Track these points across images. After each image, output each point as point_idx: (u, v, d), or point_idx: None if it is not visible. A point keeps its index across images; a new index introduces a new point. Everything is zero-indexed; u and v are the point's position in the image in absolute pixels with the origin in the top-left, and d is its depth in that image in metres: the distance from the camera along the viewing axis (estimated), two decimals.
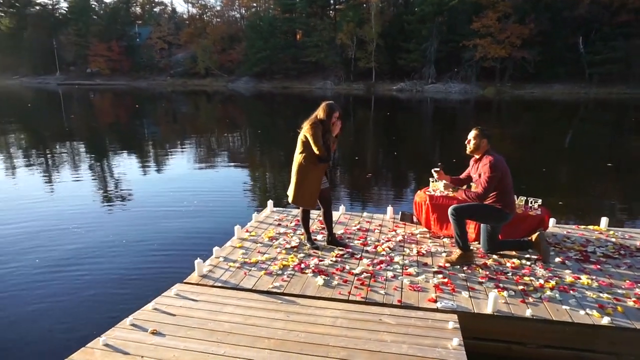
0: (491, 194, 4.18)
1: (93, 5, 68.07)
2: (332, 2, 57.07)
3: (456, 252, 4.28)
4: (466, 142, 4.29)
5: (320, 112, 4.31)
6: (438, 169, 4.57)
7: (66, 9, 68.75)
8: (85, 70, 63.25)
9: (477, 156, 4.30)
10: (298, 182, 4.37)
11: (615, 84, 39.56)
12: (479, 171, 4.23)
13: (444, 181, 4.53)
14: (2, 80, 62.12)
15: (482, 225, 4.43)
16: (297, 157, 4.35)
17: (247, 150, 14.48)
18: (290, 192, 4.45)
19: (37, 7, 70.07)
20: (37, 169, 10.41)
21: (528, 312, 3.31)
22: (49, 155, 12.39)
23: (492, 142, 4.33)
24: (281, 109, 30.13)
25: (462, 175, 4.56)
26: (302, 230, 4.85)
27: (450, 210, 4.27)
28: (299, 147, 4.34)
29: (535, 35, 41.48)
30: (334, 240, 4.64)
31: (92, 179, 9.51)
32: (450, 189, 4.47)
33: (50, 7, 70.30)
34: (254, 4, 62.01)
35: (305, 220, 4.62)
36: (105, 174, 10.18)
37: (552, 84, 41.58)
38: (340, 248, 4.54)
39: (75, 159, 12.02)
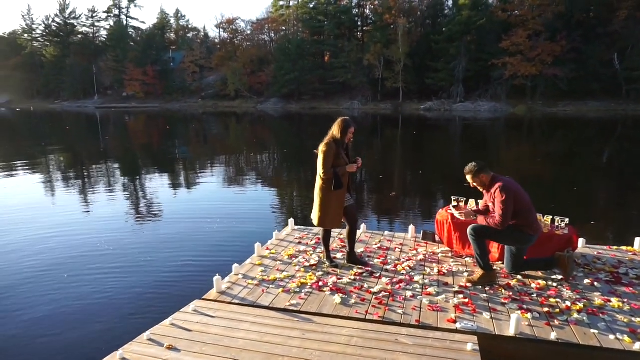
0: (519, 220, 4.04)
1: (130, 32, 71.47)
2: (359, 23, 57.92)
3: (478, 272, 4.17)
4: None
5: (335, 129, 4.32)
6: (456, 204, 4.48)
7: (105, 37, 72.42)
8: (122, 94, 65.98)
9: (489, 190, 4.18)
10: (321, 205, 4.35)
11: None
12: (492, 199, 4.11)
13: (462, 212, 4.39)
14: (46, 104, 65.48)
15: (506, 245, 4.31)
16: (318, 179, 4.35)
17: (274, 169, 14.65)
18: (315, 215, 4.43)
19: (80, 36, 74.08)
20: (72, 187, 10.84)
21: (553, 336, 3.18)
22: (84, 174, 12.89)
23: (496, 168, 4.22)
24: (309, 129, 30.43)
25: (481, 207, 4.43)
26: (322, 249, 4.84)
27: (469, 230, 4.18)
28: (320, 170, 4.31)
29: (567, 52, 40.69)
30: (353, 259, 4.60)
31: (123, 197, 9.81)
32: (472, 217, 4.33)
33: (91, 35, 74.28)
34: (283, 28, 63.50)
35: (327, 238, 4.61)
36: (135, 192, 10.49)
37: (587, 101, 40.46)
38: (360, 267, 4.50)
39: (108, 177, 12.45)
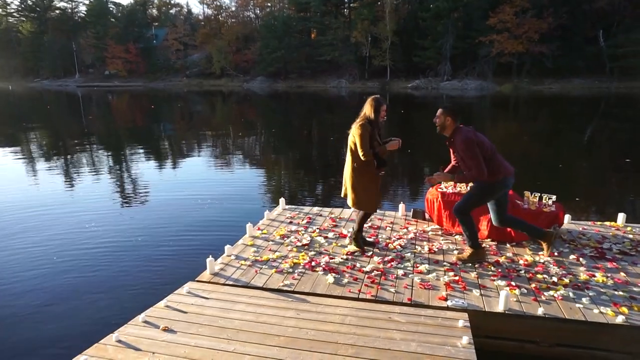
0: (489, 167, 3.95)
1: (111, 8, 69.27)
2: (346, 0, 56.93)
3: (467, 250, 4.25)
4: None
5: (367, 109, 4.16)
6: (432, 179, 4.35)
7: (85, 13, 70.13)
8: (104, 72, 64.41)
9: (448, 136, 4.11)
10: (354, 187, 4.23)
11: (637, 77, 38.57)
12: (457, 152, 4.05)
13: (439, 174, 4.23)
14: (24, 83, 63.68)
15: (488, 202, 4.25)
16: (349, 161, 4.23)
17: (261, 149, 14.56)
18: (349, 196, 4.31)
19: (57, 11, 71.66)
20: (55, 169, 10.65)
21: (540, 311, 3.27)
22: (67, 155, 12.66)
23: (463, 120, 4.13)
24: (296, 108, 30.20)
25: (449, 168, 4.35)
26: (313, 228, 4.87)
27: (453, 210, 4.22)
28: (349, 150, 4.23)
29: (554, 30, 40.71)
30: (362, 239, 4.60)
31: (109, 178, 9.69)
32: (449, 179, 4.20)
33: (69, 10, 71.86)
34: (269, 4, 62.26)
35: (364, 220, 4.45)
36: (121, 173, 10.36)
37: (572, 79, 40.76)
38: (353, 248, 4.53)
39: (92, 158, 12.25)
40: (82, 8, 72.25)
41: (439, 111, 4.08)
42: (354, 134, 4.14)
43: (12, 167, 10.96)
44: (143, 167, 10.89)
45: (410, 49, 47.40)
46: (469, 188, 4.63)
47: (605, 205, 7.48)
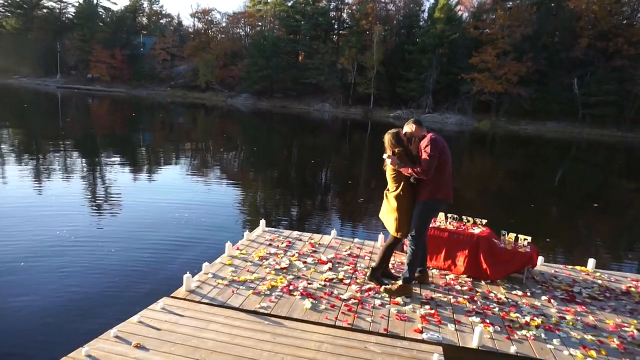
0: (431, 180, 4.04)
1: (100, 12, 68.67)
2: (336, 27, 58.07)
3: (397, 283, 4.25)
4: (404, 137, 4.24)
5: (389, 146, 4.24)
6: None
7: (73, 14, 69.25)
8: (86, 75, 63.37)
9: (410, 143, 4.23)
10: (401, 216, 4.20)
11: (607, 125, 40.39)
12: (420, 152, 4.13)
13: (390, 156, 4.22)
14: (2, 78, 62.03)
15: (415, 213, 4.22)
16: (394, 193, 4.23)
17: (242, 167, 14.51)
18: (393, 227, 4.27)
19: (45, 10, 70.57)
20: (25, 173, 10.34)
21: (512, 349, 3.33)
22: (39, 159, 12.32)
23: (457, 179, 4.33)
24: (279, 127, 30.32)
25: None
26: (293, 252, 4.86)
27: (408, 241, 4.24)
28: (391, 182, 4.26)
29: (532, 73, 42.45)
30: (389, 272, 4.60)
31: (83, 186, 9.47)
32: (397, 164, 4.18)
33: (57, 10, 70.84)
34: (259, 23, 62.83)
35: (393, 251, 4.48)
36: (97, 181, 10.14)
37: (546, 122, 42.30)
38: (331, 275, 4.53)
39: (66, 164, 11.95)
40: (71, 9, 71.23)
41: (409, 125, 4.27)
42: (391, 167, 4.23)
43: None
44: (120, 176, 10.68)
45: (394, 79, 48.48)
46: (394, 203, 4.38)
47: (574, 248, 7.71)
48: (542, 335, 3.58)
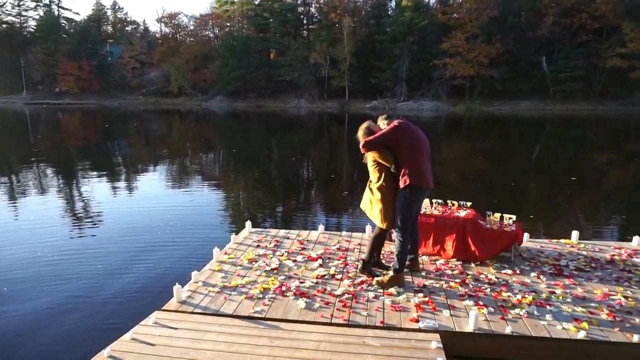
0: (404, 168, 4.07)
1: (63, 24, 66.98)
2: (305, 22, 57.92)
3: (388, 274, 4.26)
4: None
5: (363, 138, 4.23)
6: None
7: (34, 28, 67.32)
8: (54, 90, 61.83)
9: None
10: (385, 207, 4.17)
11: (577, 100, 41.37)
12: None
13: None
14: None
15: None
16: (376, 184, 4.21)
17: (222, 169, 14.37)
18: (378, 218, 4.24)
19: (4, 26, 68.33)
20: (1, 192, 10.03)
21: (508, 329, 3.37)
22: (12, 178, 11.97)
23: (437, 165, 4.37)
24: (255, 127, 30.12)
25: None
26: (282, 252, 4.82)
27: (394, 230, 4.24)
28: (373, 173, 4.26)
29: (502, 55, 43.13)
30: (380, 262, 4.59)
31: (61, 202, 9.23)
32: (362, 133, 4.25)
33: (17, 25, 68.69)
34: (228, 24, 62.26)
35: (382, 242, 4.48)
36: (75, 196, 9.90)
37: (519, 101, 43.08)
38: (322, 271, 4.51)
39: (41, 181, 11.64)
40: (32, 23, 69.25)
41: (382, 118, 4.36)
42: (373, 156, 4.22)
43: None
44: (98, 190, 10.44)
45: (367, 70, 48.65)
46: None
47: (557, 222, 7.87)
48: (535, 312, 3.63)
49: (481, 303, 3.80)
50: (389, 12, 53.75)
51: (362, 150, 4.21)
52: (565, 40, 42.72)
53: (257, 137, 24.08)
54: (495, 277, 4.35)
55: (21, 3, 67.84)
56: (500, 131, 26.75)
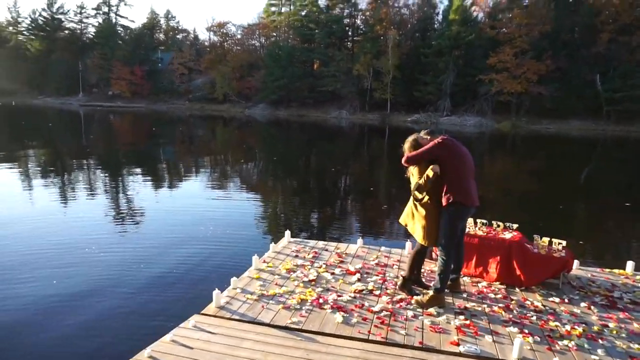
0: (447, 185, 3.94)
1: (119, 31, 70.54)
2: (350, 33, 58.24)
3: (428, 293, 4.12)
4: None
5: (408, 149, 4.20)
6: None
7: (93, 34, 71.29)
8: (107, 93, 64.99)
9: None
10: (429, 223, 4.08)
11: (633, 122, 39.24)
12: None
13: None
14: (28, 99, 64.10)
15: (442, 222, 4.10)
16: (421, 200, 4.11)
17: (263, 176, 14.56)
18: (420, 235, 4.13)
19: (66, 32, 72.78)
20: (53, 190, 10.57)
21: None
22: (66, 176, 12.61)
23: (479, 182, 4.21)
24: (297, 136, 30.44)
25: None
26: (320, 263, 4.81)
27: (438, 249, 4.15)
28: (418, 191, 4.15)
29: (552, 71, 41.64)
30: (420, 281, 4.48)
31: (109, 202, 9.62)
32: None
33: (78, 31, 73.03)
34: (274, 34, 63.52)
35: (422, 259, 4.38)
36: (122, 197, 10.30)
37: (569, 120, 41.38)
38: (360, 286, 4.45)
39: (92, 180, 12.20)
40: (91, 29, 73.43)
41: (425, 132, 4.29)
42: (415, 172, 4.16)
43: (9, 187, 10.83)
44: (143, 191, 10.83)
45: (411, 83, 48.20)
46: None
47: (609, 250, 7.45)
48: (585, 345, 3.43)
49: (526, 331, 3.63)
50: (435, 26, 53.20)
51: (404, 164, 4.16)
52: (623, 58, 40.75)
53: (298, 146, 24.32)
54: (542, 305, 4.14)
55: (83, 10, 72.17)
56: (548, 150, 25.76)
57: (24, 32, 74.42)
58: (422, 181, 3.98)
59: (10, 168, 13.23)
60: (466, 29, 45.65)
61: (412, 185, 4.23)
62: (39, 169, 13.64)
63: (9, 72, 67.96)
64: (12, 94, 65.58)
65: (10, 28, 74.65)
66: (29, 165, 14.08)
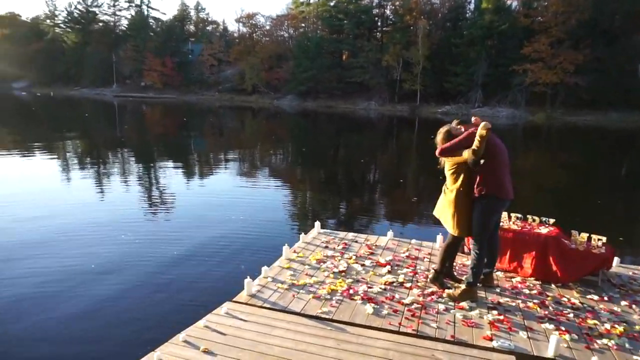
0: (480, 176, 3.86)
1: (151, 23, 71.80)
2: (379, 24, 57.48)
3: (460, 287, 4.07)
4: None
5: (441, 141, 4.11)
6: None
7: (126, 26, 72.86)
8: (140, 84, 66.41)
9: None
10: (460, 213, 4.00)
11: None
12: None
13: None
14: (65, 90, 66.24)
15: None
16: (452, 188, 4.03)
17: (292, 167, 14.62)
18: (451, 224, 4.07)
19: (100, 24, 74.66)
20: (90, 178, 10.91)
21: None
22: (101, 165, 13.00)
23: (513, 175, 4.08)
24: (325, 127, 30.39)
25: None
26: (350, 255, 4.81)
27: (472, 242, 4.07)
28: (450, 177, 4.07)
29: (590, 61, 39.99)
30: (452, 274, 4.43)
31: (142, 190, 9.86)
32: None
33: (112, 24, 74.76)
34: (302, 25, 63.30)
35: (454, 251, 4.31)
36: (154, 185, 10.53)
37: (608, 112, 39.74)
38: (391, 278, 4.42)
39: (126, 169, 12.54)
40: (124, 22, 74.99)
41: (454, 123, 4.25)
42: (456, 161, 4.03)
43: (49, 175, 11.24)
44: (175, 180, 11.06)
45: (441, 74, 47.24)
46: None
47: None
48: (626, 345, 3.31)
49: (563, 328, 3.53)
50: (467, 15, 51.85)
51: (438, 156, 4.08)
52: None
53: (326, 137, 24.28)
54: (580, 302, 4.02)
55: (116, 3, 73.77)
56: (585, 143, 24.86)
57: (61, 25, 76.68)
58: (476, 143, 3.76)
59: (50, 158, 13.74)
60: (499, 17, 44.29)
61: (447, 174, 4.13)
62: (77, 157, 14.12)
63: (47, 65, 70.41)
64: (50, 86, 67.98)
65: (48, 21, 77.04)
66: (69, 154, 14.58)
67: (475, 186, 3.92)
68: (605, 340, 3.37)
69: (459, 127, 4.16)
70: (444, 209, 4.15)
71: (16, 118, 28.44)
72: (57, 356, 3.58)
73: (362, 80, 50.80)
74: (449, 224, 4.10)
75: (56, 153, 14.53)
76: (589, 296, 4.16)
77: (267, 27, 68.10)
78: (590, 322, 3.66)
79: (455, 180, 4.03)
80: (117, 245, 6.05)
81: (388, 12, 57.14)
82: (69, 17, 74.79)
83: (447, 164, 4.11)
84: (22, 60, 71.26)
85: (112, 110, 39.31)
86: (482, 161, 3.83)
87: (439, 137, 4.14)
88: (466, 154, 3.86)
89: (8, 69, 70.13)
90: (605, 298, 4.13)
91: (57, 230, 6.58)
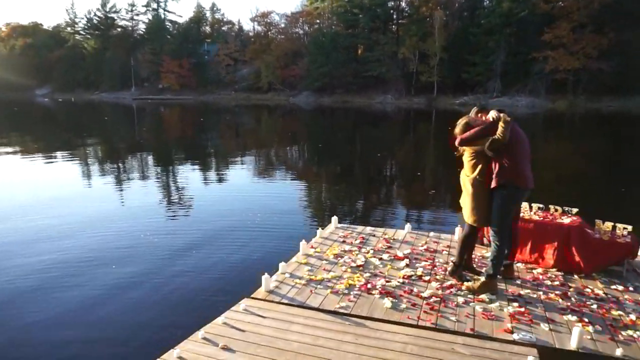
0: (500, 165, 3.82)
1: (168, 26, 72.74)
2: (395, 16, 56.97)
3: (479, 279, 4.01)
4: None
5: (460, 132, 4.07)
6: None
7: (144, 30, 73.99)
8: (158, 86, 67.40)
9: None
10: (476, 201, 3.98)
11: None
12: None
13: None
14: (86, 95, 67.77)
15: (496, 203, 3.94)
16: (470, 177, 4.01)
17: (308, 163, 14.64)
18: (467, 212, 4.06)
19: (119, 29, 76.00)
20: (110, 178, 11.11)
21: (619, 352, 3.03)
22: (121, 166, 13.25)
23: (534, 165, 4.02)
24: (341, 122, 30.31)
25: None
26: (367, 249, 4.79)
27: (492, 233, 4.00)
28: (469, 165, 4.03)
29: (614, 45, 38.82)
30: (471, 266, 4.39)
31: (161, 189, 10.03)
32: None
33: (130, 28, 76.01)
34: (317, 21, 63.20)
35: (472, 243, 4.30)
36: (172, 184, 10.69)
37: (633, 97, 38.54)
38: (409, 272, 4.39)
39: (145, 169, 12.78)
40: (142, 26, 76.19)
41: (473, 112, 4.25)
42: (473, 149, 4.00)
43: (70, 176, 11.50)
44: (192, 177, 11.22)
45: (459, 65, 46.58)
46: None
47: None
48: None
49: (586, 320, 3.46)
50: (485, 3, 50.91)
51: (457, 145, 4.03)
52: None
53: (342, 132, 24.22)
54: (604, 293, 3.93)
55: (133, 8, 74.94)
56: (609, 130, 24.17)
57: (81, 32, 78.30)
58: (500, 130, 3.71)
59: (71, 161, 14.08)
60: (518, 4, 43.40)
61: (465, 162, 4.09)
62: (96, 161, 14.42)
63: (68, 71, 72.07)
64: (71, 92, 69.58)
65: (69, 29, 78.77)
66: (88, 158, 14.92)
67: (494, 175, 3.87)
68: (630, 332, 3.28)
69: (478, 115, 4.12)
70: (464, 197, 4.13)
71: (39, 125, 29.21)
72: (78, 356, 3.67)
73: (378, 73, 50.52)
74: (466, 212, 4.08)
75: (78, 155, 14.87)
76: (613, 287, 4.06)
77: (282, 25, 68.26)
78: (615, 313, 3.57)
79: (474, 168, 3.99)
80: (137, 243, 6.15)
81: (404, 4, 56.68)
82: (89, 24, 76.35)
83: (467, 152, 4.07)
84: (44, 68, 73.29)
85: (131, 112, 40.00)
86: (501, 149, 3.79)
87: (458, 129, 4.08)
88: (489, 142, 3.81)
89: (31, 77, 72.19)
90: (631, 288, 4.03)
91: (78, 228, 6.73)
